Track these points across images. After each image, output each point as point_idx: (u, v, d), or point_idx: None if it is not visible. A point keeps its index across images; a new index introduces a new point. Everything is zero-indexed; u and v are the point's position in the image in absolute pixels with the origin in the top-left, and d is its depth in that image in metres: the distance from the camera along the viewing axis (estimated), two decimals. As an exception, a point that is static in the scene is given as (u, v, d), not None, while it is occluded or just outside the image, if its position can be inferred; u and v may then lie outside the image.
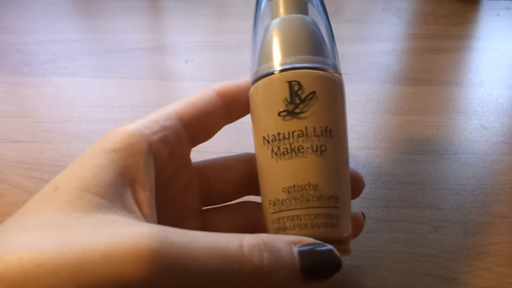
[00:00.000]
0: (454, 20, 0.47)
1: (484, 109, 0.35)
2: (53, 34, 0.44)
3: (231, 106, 0.21)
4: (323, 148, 0.19)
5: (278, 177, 0.19)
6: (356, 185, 0.22)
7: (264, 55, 0.20)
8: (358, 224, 0.22)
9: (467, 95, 0.36)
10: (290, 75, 0.19)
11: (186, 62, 0.40)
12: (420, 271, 0.23)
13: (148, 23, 0.48)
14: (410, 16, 0.49)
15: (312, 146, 0.19)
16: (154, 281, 0.13)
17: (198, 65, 0.40)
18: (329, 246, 0.17)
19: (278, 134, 0.19)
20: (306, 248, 0.16)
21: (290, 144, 0.19)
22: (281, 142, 0.19)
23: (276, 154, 0.19)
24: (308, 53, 0.20)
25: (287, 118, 0.19)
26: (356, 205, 0.26)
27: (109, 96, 0.36)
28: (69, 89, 0.37)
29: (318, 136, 0.19)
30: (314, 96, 0.19)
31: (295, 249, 0.16)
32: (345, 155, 0.20)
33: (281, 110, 0.19)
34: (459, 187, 0.28)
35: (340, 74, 0.20)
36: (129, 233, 0.14)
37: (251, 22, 0.22)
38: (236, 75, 0.29)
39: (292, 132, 0.19)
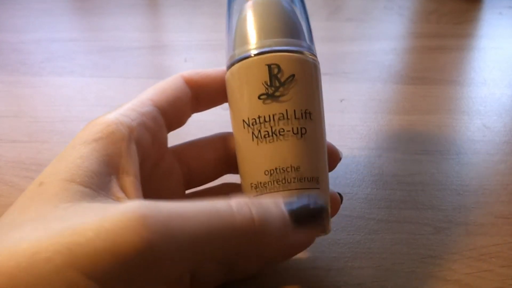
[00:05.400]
0: (457, 19, 0.47)
1: (487, 108, 0.35)
2: (51, 33, 0.44)
3: (198, 95, 0.21)
4: (303, 131, 0.19)
5: (260, 160, 0.19)
6: (332, 158, 0.22)
7: (240, 38, 0.20)
8: (335, 204, 0.22)
9: (470, 95, 0.36)
10: (269, 58, 0.19)
11: (185, 61, 0.40)
12: (422, 273, 0.23)
13: (147, 22, 0.48)
14: (412, 14, 0.48)
15: (292, 129, 0.19)
16: (150, 246, 0.13)
17: (197, 64, 0.40)
18: (306, 198, 0.18)
19: (259, 117, 0.19)
20: (289, 201, 0.17)
21: (271, 127, 0.19)
22: (262, 125, 0.19)
23: (257, 137, 0.19)
24: (286, 36, 0.20)
25: (267, 101, 0.19)
26: (357, 205, 0.26)
27: (108, 95, 0.36)
28: (67, 88, 0.36)
29: (298, 118, 0.19)
30: (293, 79, 0.19)
31: (281, 203, 0.17)
32: (323, 137, 0.20)
33: (261, 93, 0.19)
34: (461, 187, 0.28)
35: (315, 56, 0.21)
36: (117, 208, 0.14)
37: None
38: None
39: (273, 115, 0.19)
